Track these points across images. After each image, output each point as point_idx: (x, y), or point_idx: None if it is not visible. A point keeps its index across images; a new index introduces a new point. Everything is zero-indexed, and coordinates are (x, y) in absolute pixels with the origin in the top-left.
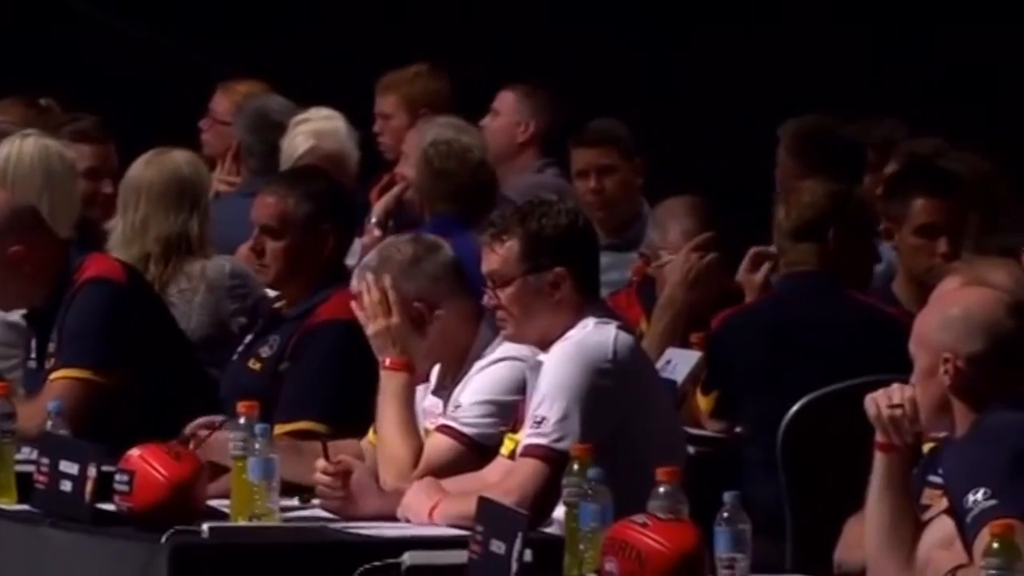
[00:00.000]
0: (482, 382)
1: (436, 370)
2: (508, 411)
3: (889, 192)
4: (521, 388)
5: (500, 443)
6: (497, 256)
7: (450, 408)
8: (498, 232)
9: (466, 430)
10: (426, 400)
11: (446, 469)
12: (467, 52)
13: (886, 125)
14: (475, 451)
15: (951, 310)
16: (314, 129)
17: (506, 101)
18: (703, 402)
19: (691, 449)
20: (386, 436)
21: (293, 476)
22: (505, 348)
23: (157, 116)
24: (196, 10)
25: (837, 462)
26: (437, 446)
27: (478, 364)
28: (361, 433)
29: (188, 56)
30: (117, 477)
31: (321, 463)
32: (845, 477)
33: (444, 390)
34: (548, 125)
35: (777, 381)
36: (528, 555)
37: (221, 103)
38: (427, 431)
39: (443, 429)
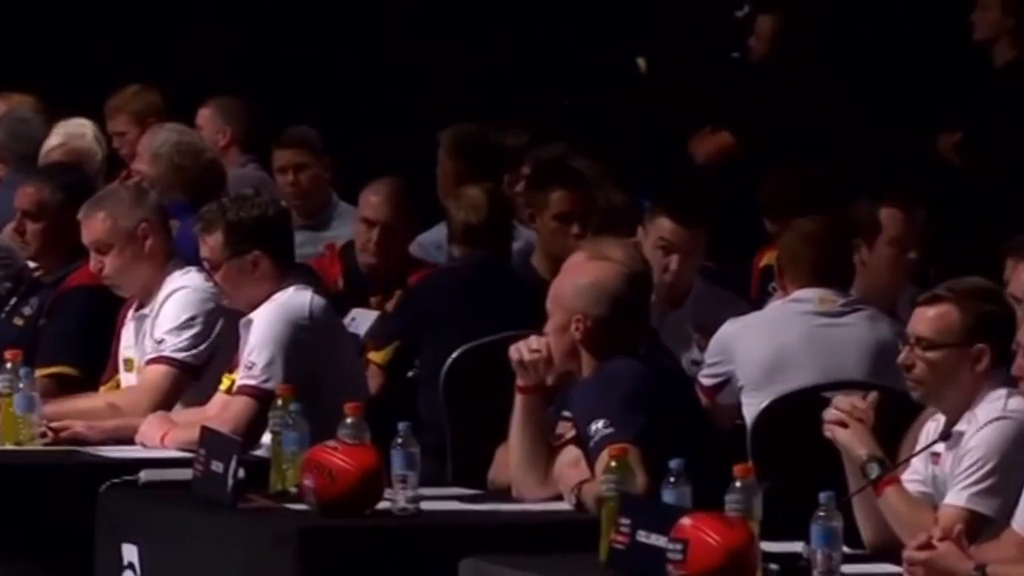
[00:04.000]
0: (170, 311)
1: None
2: (204, 323)
3: (532, 185)
4: (201, 301)
5: (208, 359)
6: (207, 247)
7: (150, 343)
8: (205, 226)
9: (177, 355)
10: (129, 324)
11: (171, 394)
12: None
13: (511, 133)
14: (190, 372)
15: (581, 279)
16: (65, 132)
17: (204, 116)
18: (378, 356)
19: None
20: None
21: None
22: (176, 282)
23: None
24: None
25: (489, 399)
26: (156, 376)
27: (160, 299)
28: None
29: None
30: None
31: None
32: (496, 411)
33: (141, 314)
34: (243, 129)
35: (458, 331)
36: (241, 473)
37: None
38: (128, 361)
39: (157, 360)
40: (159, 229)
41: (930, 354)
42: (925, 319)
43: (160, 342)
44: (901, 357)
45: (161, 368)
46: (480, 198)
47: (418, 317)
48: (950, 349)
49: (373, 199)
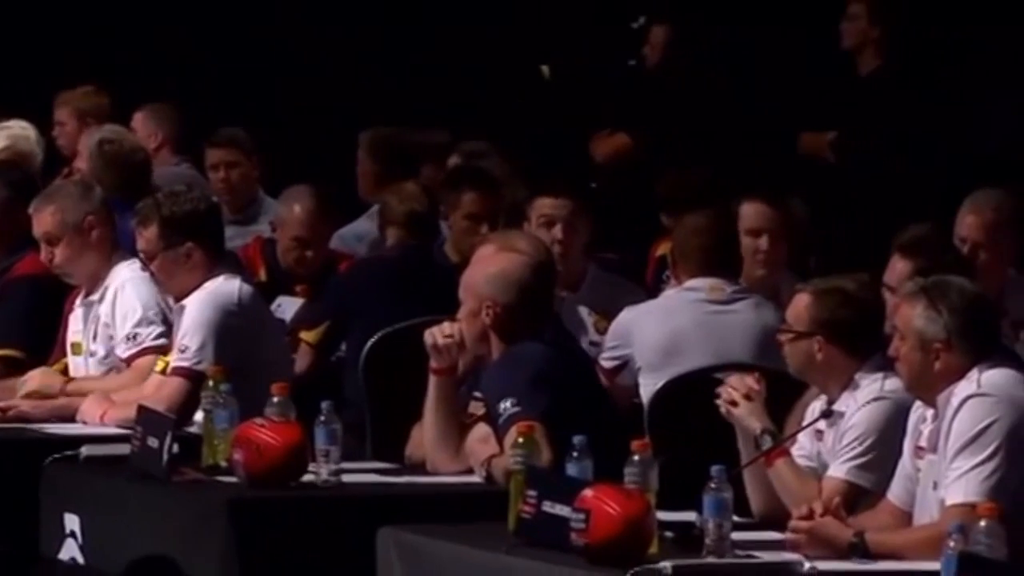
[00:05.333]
0: (125, 307)
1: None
2: (158, 315)
3: (446, 185)
4: (150, 295)
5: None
6: (143, 239)
7: (106, 337)
8: (141, 220)
9: (156, 343)
10: (77, 310)
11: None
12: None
13: (431, 132)
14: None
15: (491, 269)
16: (11, 134)
17: (138, 120)
18: (309, 336)
19: None
20: None
21: None
22: (123, 273)
23: None
24: None
25: (406, 380)
26: (137, 370)
27: (110, 288)
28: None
29: None
30: None
31: None
32: (412, 391)
33: (89, 301)
34: (174, 131)
35: (384, 315)
36: (175, 448)
37: None
38: (75, 344)
39: (143, 353)
40: (104, 222)
41: (786, 338)
42: (790, 306)
43: (134, 337)
44: (777, 336)
45: (150, 359)
46: (418, 190)
47: (347, 300)
48: (798, 336)
49: (299, 214)
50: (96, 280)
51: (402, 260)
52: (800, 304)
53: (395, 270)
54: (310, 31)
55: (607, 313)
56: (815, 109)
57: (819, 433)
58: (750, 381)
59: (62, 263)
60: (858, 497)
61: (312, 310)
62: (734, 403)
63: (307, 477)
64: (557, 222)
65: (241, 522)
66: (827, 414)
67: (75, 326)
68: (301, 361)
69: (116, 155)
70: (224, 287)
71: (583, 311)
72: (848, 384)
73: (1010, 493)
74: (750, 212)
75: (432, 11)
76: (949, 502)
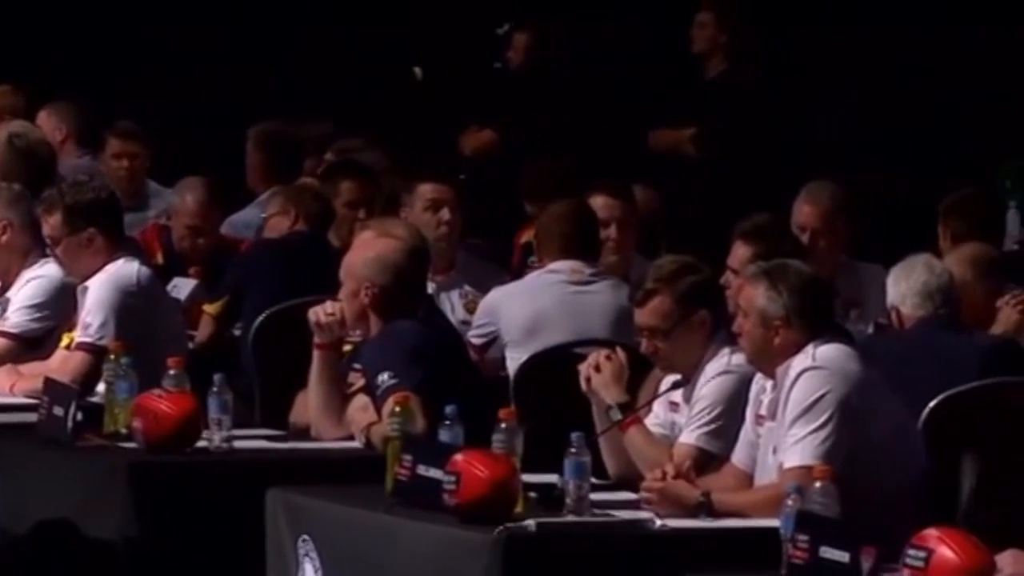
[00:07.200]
0: (24, 294)
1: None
2: (47, 308)
3: (324, 177)
4: (51, 290)
5: (47, 334)
6: (48, 225)
7: (2, 319)
8: (46, 208)
9: (14, 330)
10: None
11: (3, 359)
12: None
13: (320, 126)
14: (25, 343)
15: (369, 253)
16: None
17: (42, 117)
18: (211, 308)
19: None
20: None
21: None
22: (38, 271)
23: None
24: None
25: (292, 353)
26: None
27: (20, 284)
28: None
29: None
30: None
31: None
32: (298, 365)
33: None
34: (76, 127)
35: (278, 292)
36: (80, 416)
37: None
38: None
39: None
40: (19, 219)
41: (665, 343)
42: (648, 313)
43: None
44: (643, 348)
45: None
46: (318, 189)
47: (245, 277)
48: (678, 328)
49: (191, 204)
50: (13, 273)
51: (297, 244)
52: (661, 303)
53: (290, 252)
54: (199, 31)
55: (476, 294)
56: (665, 107)
57: (674, 405)
58: (603, 353)
59: None
60: (706, 461)
61: (213, 286)
62: (596, 369)
63: (201, 443)
64: (444, 205)
65: (140, 484)
66: (679, 385)
67: None
68: (203, 331)
69: (24, 149)
70: (124, 269)
71: (454, 293)
72: (702, 359)
73: (842, 457)
74: (597, 204)
75: (315, 16)
76: (787, 465)
